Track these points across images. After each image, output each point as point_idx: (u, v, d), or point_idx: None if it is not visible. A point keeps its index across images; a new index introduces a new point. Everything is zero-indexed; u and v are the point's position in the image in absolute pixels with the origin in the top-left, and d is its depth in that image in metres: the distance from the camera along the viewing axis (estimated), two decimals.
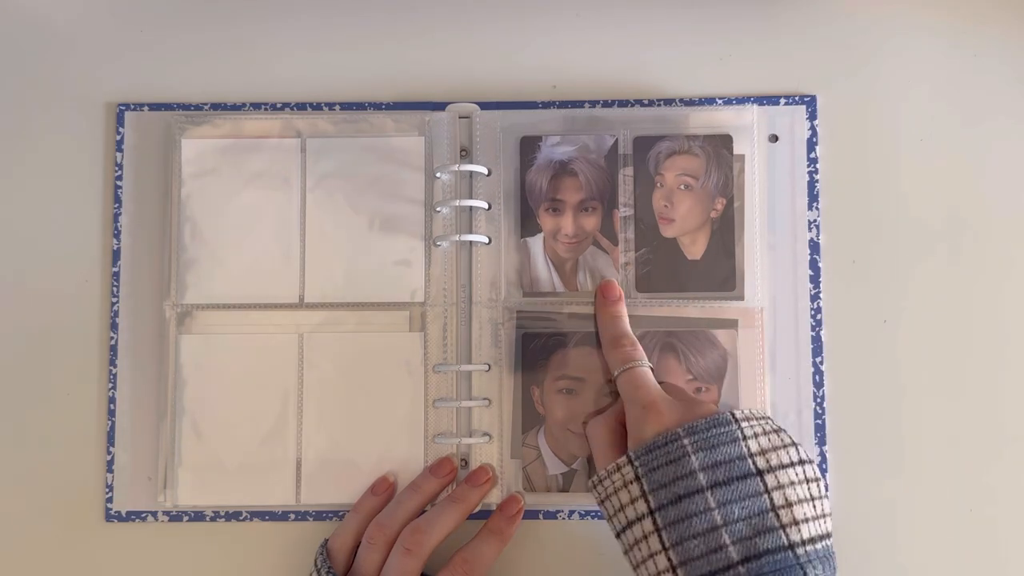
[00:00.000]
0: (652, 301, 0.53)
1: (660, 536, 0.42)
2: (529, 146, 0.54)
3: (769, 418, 0.46)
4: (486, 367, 0.53)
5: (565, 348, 0.53)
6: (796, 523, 0.42)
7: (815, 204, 0.55)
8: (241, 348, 0.54)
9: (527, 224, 0.54)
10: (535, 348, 0.53)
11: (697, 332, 0.53)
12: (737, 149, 0.54)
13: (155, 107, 0.56)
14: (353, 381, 0.53)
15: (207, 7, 0.57)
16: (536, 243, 0.54)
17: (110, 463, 0.54)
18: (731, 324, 0.53)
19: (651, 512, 0.43)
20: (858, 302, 0.54)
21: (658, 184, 0.54)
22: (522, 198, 0.54)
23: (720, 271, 0.53)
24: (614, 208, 0.54)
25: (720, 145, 0.54)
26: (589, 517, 0.53)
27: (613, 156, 0.54)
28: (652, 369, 0.50)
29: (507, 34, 0.57)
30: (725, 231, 0.53)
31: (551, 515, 0.53)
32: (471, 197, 0.54)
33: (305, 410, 0.53)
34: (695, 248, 0.53)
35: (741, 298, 0.53)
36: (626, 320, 0.52)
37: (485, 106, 0.55)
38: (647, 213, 0.54)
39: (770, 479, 0.43)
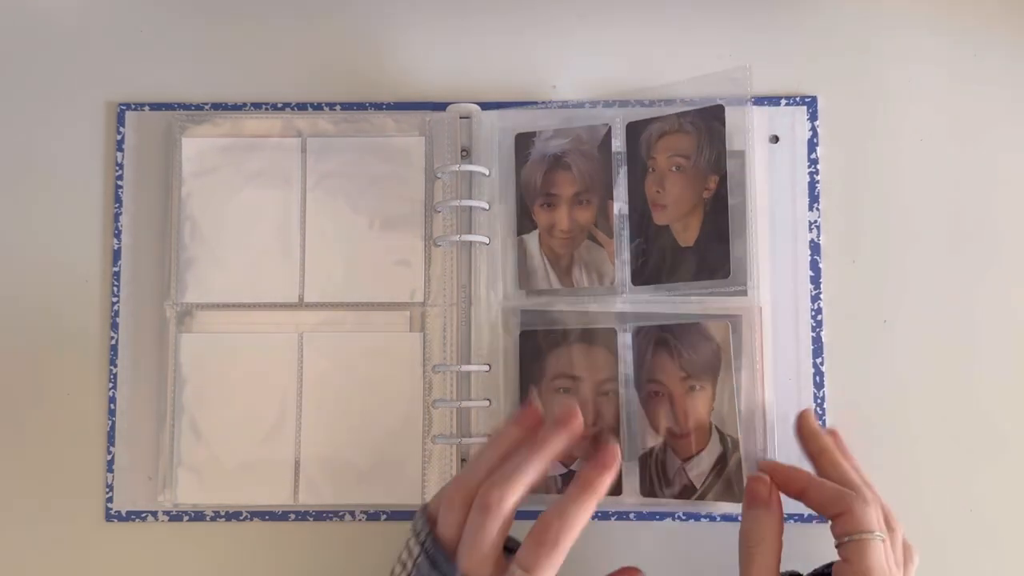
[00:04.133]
0: (647, 294, 0.52)
1: None
2: (524, 142, 0.54)
3: None
4: (486, 367, 0.53)
5: (562, 346, 0.53)
6: None
7: (815, 205, 0.55)
8: (241, 348, 0.54)
9: (523, 221, 0.54)
10: (533, 347, 0.53)
11: (691, 327, 0.51)
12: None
13: (156, 107, 0.56)
14: (352, 381, 0.53)
15: (207, 7, 0.57)
16: (532, 240, 0.54)
17: (110, 463, 0.54)
18: (728, 318, 0.52)
19: None
20: (858, 302, 0.54)
21: (650, 168, 0.53)
22: (519, 195, 0.54)
23: (713, 256, 0.51)
24: (609, 199, 0.53)
25: (712, 117, 0.52)
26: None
27: (606, 145, 0.53)
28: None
29: (507, 34, 0.57)
30: (718, 212, 0.51)
31: None
32: (471, 197, 0.54)
33: (304, 410, 0.53)
34: (687, 234, 0.52)
35: (740, 285, 0.51)
36: None
37: (485, 106, 0.55)
38: (640, 201, 0.53)
39: None
